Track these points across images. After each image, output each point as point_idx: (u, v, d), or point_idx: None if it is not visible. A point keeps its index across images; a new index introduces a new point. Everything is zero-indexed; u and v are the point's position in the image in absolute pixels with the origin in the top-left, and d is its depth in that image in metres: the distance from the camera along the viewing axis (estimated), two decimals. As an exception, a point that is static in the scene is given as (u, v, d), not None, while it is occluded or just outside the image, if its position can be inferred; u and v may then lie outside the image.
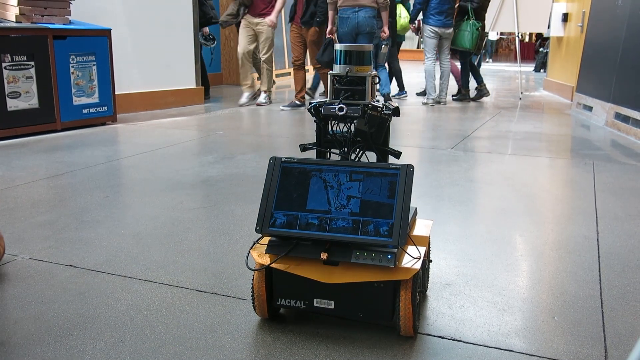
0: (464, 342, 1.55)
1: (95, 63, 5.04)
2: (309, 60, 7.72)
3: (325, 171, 1.59)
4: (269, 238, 1.59)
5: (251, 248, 1.62)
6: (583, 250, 2.24)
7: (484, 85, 7.69)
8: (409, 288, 1.50)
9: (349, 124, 1.70)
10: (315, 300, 1.59)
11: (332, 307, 1.58)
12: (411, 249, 1.56)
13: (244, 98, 6.79)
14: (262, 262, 1.57)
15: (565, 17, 8.48)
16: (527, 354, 1.49)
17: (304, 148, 1.80)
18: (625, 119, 5.08)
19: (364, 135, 1.69)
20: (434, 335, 1.58)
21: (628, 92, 5.17)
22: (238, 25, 6.87)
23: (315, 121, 1.76)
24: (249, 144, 4.40)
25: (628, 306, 1.77)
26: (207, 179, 3.29)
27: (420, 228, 1.78)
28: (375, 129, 1.70)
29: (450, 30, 6.98)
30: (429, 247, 1.77)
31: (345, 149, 1.71)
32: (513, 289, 1.88)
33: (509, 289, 1.88)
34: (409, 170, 1.54)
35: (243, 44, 6.65)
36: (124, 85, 5.79)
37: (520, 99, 8.06)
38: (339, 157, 1.73)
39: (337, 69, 1.71)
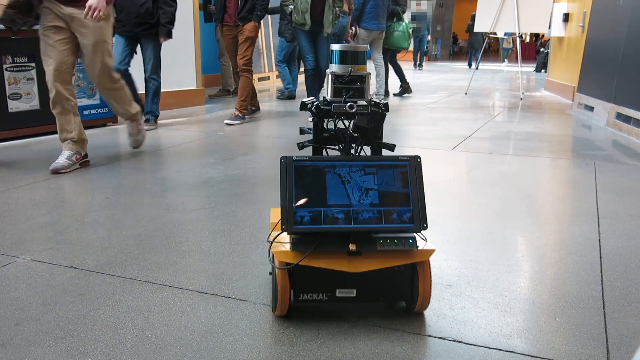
0: (466, 343, 1.54)
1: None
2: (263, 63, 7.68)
3: (338, 167, 1.64)
4: (290, 236, 1.61)
5: (270, 247, 1.62)
6: (585, 251, 2.23)
7: (408, 84, 8.46)
8: (427, 268, 1.63)
9: (347, 121, 1.78)
10: (337, 290, 1.65)
11: (354, 294, 1.65)
12: (421, 254, 1.63)
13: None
14: (286, 260, 1.58)
15: (566, 17, 8.47)
16: (528, 355, 1.49)
17: (302, 146, 1.82)
18: (627, 119, 5.07)
19: (363, 131, 1.78)
20: (436, 337, 1.57)
21: (629, 92, 5.16)
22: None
23: (311, 120, 1.81)
24: (250, 144, 4.40)
25: (630, 307, 1.76)
26: (207, 180, 3.29)
27: None
28: (374, 124, 1.79)
29: (383, 31, 7.38)
30: None
31: (343, 144, 1.78)
32: (514, 290, 1.88)
33: (511, 290, 1.87)
34: (417, 160, 1.66)
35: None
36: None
37: (521, 99, 8.05)
38: (338, 152, 1.79)
39: (336, 68, 1.74)
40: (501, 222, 2.57)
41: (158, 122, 5.29)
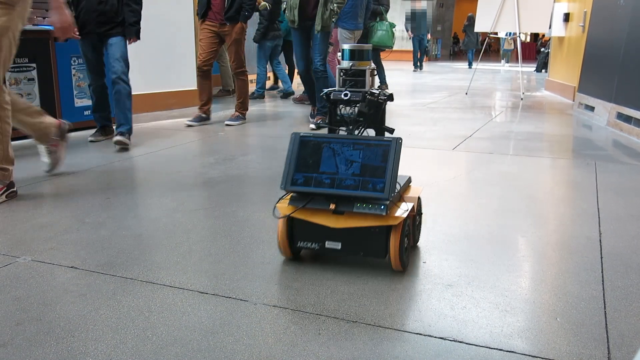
0: (466, 343, 1.54)
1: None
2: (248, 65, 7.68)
3: (334, 143, 2.03)
4: (290, 195, 2.03)
5: (277, 203, 2.06)
6: (585, 251, 2.23)
7: (386, 85, 8.66)
8: (398, 232, 1.95)
9: (354, 107, 2.14)
10: (326, 242, 2.03)
11: (339, 247, 2.02)
12: (403, 205, 2.01)
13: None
14: (285, 212, 2.01)
15: (567, 17, 8.47)
16: (529, 356, 1.48)
17: (318, 126, 2.51)
18: (628, 119, 5.07)
19: (365, 116, 2.13)
20: (436, 337, 1.57)
21: (630, 92, 5.16)
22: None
23: (327, 106, 2.22)
24: (250, 145, 4.40)
25: (631, 307, 1.76)
26: (208, 180, 3.29)
27: (413, 191, 2.23)
28: (373, 110, 2.13)
29: (361, 31, 7.42)
30: (419, 206, 2.27)
31: (351, 126, 2.14)
32: (515, 290, 1.88)
33: (511, 290, 1.87)
34: (398, 141, 1.97)
35: None
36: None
37: (521, 99, 8.05)
38: (346, 132, 2.15)
39: (344, 64, 2.16)
40: (502, 222, 2.57)
41: (159, 122, 5.29)
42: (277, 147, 4.32)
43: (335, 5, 5.00)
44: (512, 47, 18.91)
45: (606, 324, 1.65)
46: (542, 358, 1.48)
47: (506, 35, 17.89)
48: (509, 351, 1.50)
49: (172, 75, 6.38)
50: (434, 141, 4.59)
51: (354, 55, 2.16)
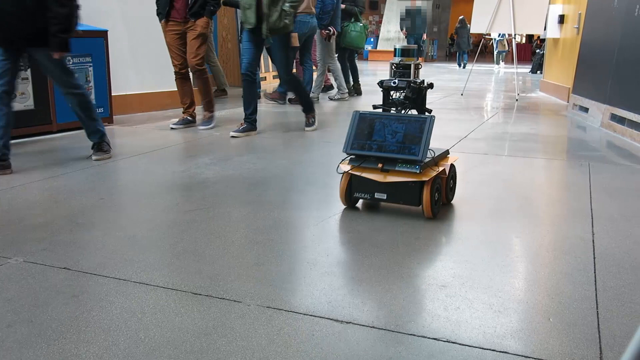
0: (460, 344, 1.54)
1: (91, 64, 5.03)
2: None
3: (384, 118, 2.69)
4: (349, 157, 2.73)
5: (340, 163, 2.77)
6: (578, 251, 2.24)
7: (359, 85, 8.54)
8: (429, 186, 2.56)
9: (401, 92, 2.83)
10: (375, 193, 2.68)
11: (385, 197, 2.67)
12: (435, 167, 2.64)
13: None
14: (345, 169, 2.70)
15: (562, 19, 8.50)
16: (522, 356, 1.49)
17: (375, 107, 2.90)
18: (621, 120, 5.09)
19: (409, 99, 2.82)
20: (430, 338, 1.57)
21: (624, 94, 5.18)
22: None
23: (382, 90, 2.89)
24: (246, 145, 4.39)
25: (623, 307, 1.77)
26: (203, 180, 3.29)
27: (449, 160, 2.86)
28: (416, 95, 2.83)
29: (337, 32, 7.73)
30: (452, 171, 2.85)
31: (399, 107, 2.83)
32: (509, 290, 1.88)
33: (505, 291, 1.88)
34: (431, 118, 2.63)
35: None
36: (120, 86, 5.78)
37: (516, 100, 8.07)
38: (395, 111, 2.80)
39: (394, 59, 2.86)
40: (496, 223, 2.58)
41: (154, 123, 5.27)
42: (273, 148, 4.32)
43: (287, 4, 4.48)
44: (507, 48, 18.73)
45: (598, 325, 1.66)
46: (534, 358, 1.48)
47: (499, 36, 17.81)
48: (502, 352, 1.51)
49: (168, 75, 6.36)
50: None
51: (403, 53, 2.86)
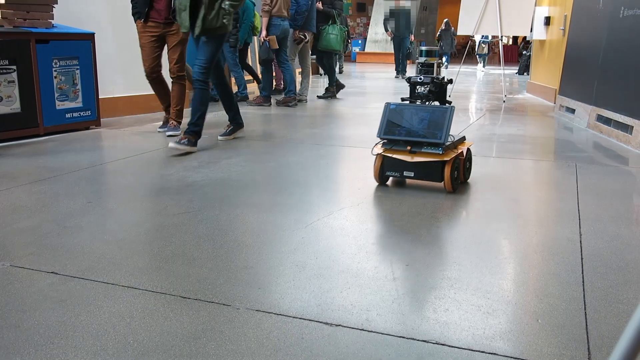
0: (449, 345, 1.55)
1: (78, 67, 5.00)
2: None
3: (412, 108, 3.22)
4: (382, 141, 3.24)
5: (373, 146, 3.27)
6: (566, 252, 2.25)
7: (334, 88, 8.50)
8: (450, 165, 3.08)
9: (425, 87, 3.37)
10: (404, 172, 3.19)
11: (413, 175, 3.18)
12: (454, 150, 3.14)
13: None
14: (378, 151, 3.21)
15: (548, 21, 8.56)
16: (511, 357, 1.49)
17: (402, 99, 3.38)
18: (607, 121, 5.13)
19: (433, 93, 3.37)
20: (419, 340, 1.58)
21: (609, 95, 5.22)
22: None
23: (409, 85, 3.42)
24: (234, 148, 4.38)
25: (611, 308, 1.78)
26: (191, 183, 3.27)
27: (466, 145, 3.34)
28: (438, 89, 3.38)
29: (313, 33, 7.81)
30: (468, 154, 3.35)
31: (424, 99, 3.36)
32: (497, 291, 1.89)
33: (494, 292, 1.88)
34: (452, 108, 3.17)
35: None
36: (107, 89, 5.75)
37: (504, 101, 8.11)
38: (420, 103, 3.35)
39: (420, 59, 3.40)
40: (484, 224, 2.59)
41: (142, 126, 5.24)
42: (261, 150, 4.31)
43: (227, 3, 4.11)
44: (486, 52, 18.71)
45: (586, 325, 1.67)
46: (523, 359, 1.49)
47: (481, 38, 17.75)
48: (491, 353, 1.51)
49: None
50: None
51: (427, 54, 3.42)
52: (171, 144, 4.14)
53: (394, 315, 1.71)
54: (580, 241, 2.38)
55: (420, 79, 3.36)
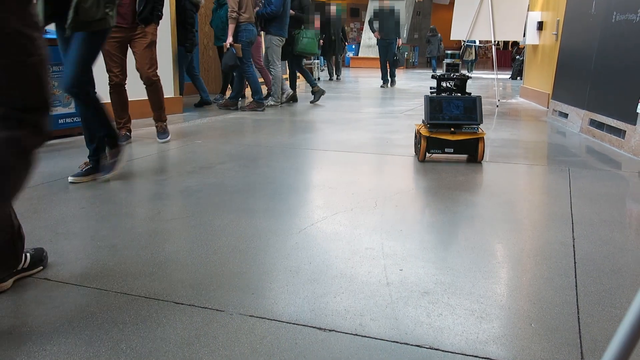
0: (443, 350, 1.55)
1: (71, 73, 4.98)
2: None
3: (448, 99, 4.04)
4: (428, 124, 4.03)
5: (419, 128, 4.11)
6: (559, 256, 2.26)
7: (318, 86, 8.49)
8: (482, 141, 3.98)
9: (448, 82, 4.19)
10: (445, 149, 3.99)
11: (452, 151, 4.00)
12: (483, 132, 4.02)
13: None
14: (424, 134, 3.99)
15: (540, 26, 8.60)
16: (504, 362, 1.49)
17: (431, 90, 4.18)
18: (600, 125, 5.16)
19: (457, 87, 4.16)
20: (413, 345, 1.58)
21: (602, 99, 5.25)
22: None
23: (436, 80, 4.22)
24: (228, 153, 4.38)
25: (604, 312, 1.79)
26: (185, 189, 3.27)
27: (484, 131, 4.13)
28: (461, 84, 4.17)
29: (285, 38, 7.85)
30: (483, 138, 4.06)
31: (449, 92, 4.19)
32: (491, 296, 1.89)
33: (487, 297, 1.89)
34: (480, 97, 4.04)
35: None
36: (101, 95, 5.73)
37: (497, 106, 8.14)
38: (447, 94, 4.17)
39: (447, 61, 4.20)
40: (478, 229, 2.59)
41: (135, 131, 5.22)
42: (255, 155, 4.31)
43: None
44: (473, 57, 18.56)
45: (579, 329, 1.67)
46: (517, 364, 1.49)
47: (467, 43, 17.09)
48: (485, 357, 1.51)
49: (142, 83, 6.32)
50: (411, 148, 4.62)
51: (452, 56, 4.23)
52: (71, 179, 3.42)
53: (387, 320, 1.71)
54: (573, 245, 2.39)
55: (448, 76, 4.16)
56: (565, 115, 6.18)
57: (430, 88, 4.24)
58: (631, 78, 4.64)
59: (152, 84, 4.78)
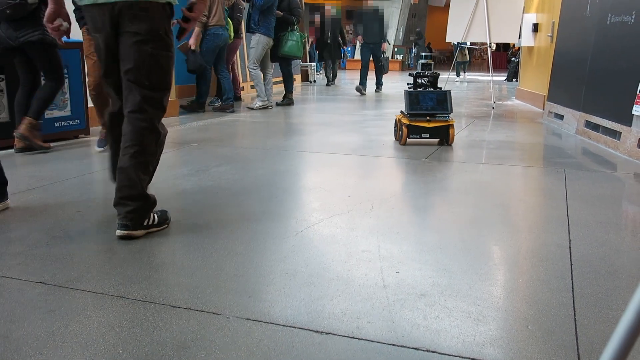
0: (439, 353, 1.55)
1: (67, 76, 4.98)
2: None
3: (424, 93, 4.87)
4: (408, 113, 4.82)
5: (399, 118, 4.97)
6: (556, 258, 2.26)
7: (292, 94, 8.49)
8: (452, 127, 4.84)
9: (423, 79, 4.97)
10: (422, 134, 4.79)
11: (429, 136, 4.81)
12: (452, 120, 4.86)
13: None
14: (405, 122, 4.82)
15: (536, 28, 8.62)
16: (501, 364, 1.50)
17: (408, 85, 4.93)
18: (595, 127, 5.17)
19: (430, 83, 4.97)
20: (409, 347, 1.58)
21: (598, 101, 5.27)
22: None
23: (413, 77, 5.00)
24: (224, 156, 4.38)
25: (600, 314, 1.79)
26: (181, 191, 3.27)
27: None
28: (433, 80, 4.97)
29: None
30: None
31: (424, 87, 4.96)
32: (487, 298, 1.89)
33: (484, 299, 1.89)
34: (450, 91, 4.94)
35: None
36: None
37: (493, 108, 8.16)
38: (421, 89, 4.94)
39: (422, 61, 5.07)
40: (474, 231, 2.60)
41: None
42: (251, 158, 4.31)
43: None
44: (467, 59, 16.95)
45: (576, 331, 1.67)
46: (513, 366, 1.49)
47: (460, 45, 15.78)
48: (481, 360, 1.52)
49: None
50: (407, 151, 4.62)
51: (426, 57, 5.07)
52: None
53: (384, 323, 1.71)
54: (570, 247, 2.39)
55: (423, 74, 5.00)
56: (561, 117, 6.20)
57: (408, 84, 4.96)
58: (626, 79, 4.66)
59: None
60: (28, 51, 4.31)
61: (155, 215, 2.56)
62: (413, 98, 4.81)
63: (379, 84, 11.18)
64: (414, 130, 4.81)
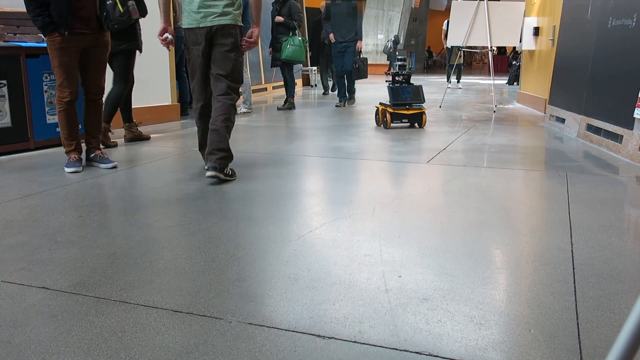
0: (442, 357, 1.55)
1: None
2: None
3: (403, 87, 6.39)
4: (392, 103, 6.30)
5: (382, 108, 6.45)
6: (558, 262, 2.26)
7: (293, 99, 8.54)
8: (424, 114, 6.43)
9: (401, 76, 6.50)
10: (402, 119, 6.36)
11: (407, 121, 6.39)
12: (424, 109, 6.45)
13: None
14: (390, 110, 6.32)
15: (537, 31, 8.63)
16: (504, 368, 1.49)
17: (387, 82, 6.91)
18: (597, 130, 5.17)
19: (405, 80, 6.51)
20: (412, 352, 1.58)
21: (599, 104, 5.26)
22: None
23: (391, 75, 6.55)
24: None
25: (603, 317, 1.79)
26: (183, 196, 3.27)
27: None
28: (407, 77, 6.54)
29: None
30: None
31: (402, 83, 6.54)
32: (490, 302, 1.89)
33: (486, 303, 1.89)
34: (421, 86, 6.47)
35: None
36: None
37: (494, 111, 8.15)
38: (399, 84, 6.48)
39: (399, 63, 6.72)
40: (476, 235, 2.59)
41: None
42: (254, 163, 4.31)
43: None
44: (462, 61, 15.30)
45: (579, 335, 1.67)
46: (516, 370, 1.48)
47: (450, 46, 13.31)
48: (484, 364, 1.51)
49: (147, 90, 6.34)
50: (409, 155, 4.62)
51: (402, 59, 6.71)
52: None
53: (386, 327, 1.71)
54: (572, 251, 2.39)
55: (399, 73, 6.43)
56: (563, 121, 6.20)
57: (386, 81, 6.24)
58: (628, 83, 4.66)
59: (99, 99, 4.21)
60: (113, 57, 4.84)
61: (230, 169, 3.66)
62: (395, 91, 6.28)
63: (350, 91, 9.13)
64: (396, 117, 6.29)
